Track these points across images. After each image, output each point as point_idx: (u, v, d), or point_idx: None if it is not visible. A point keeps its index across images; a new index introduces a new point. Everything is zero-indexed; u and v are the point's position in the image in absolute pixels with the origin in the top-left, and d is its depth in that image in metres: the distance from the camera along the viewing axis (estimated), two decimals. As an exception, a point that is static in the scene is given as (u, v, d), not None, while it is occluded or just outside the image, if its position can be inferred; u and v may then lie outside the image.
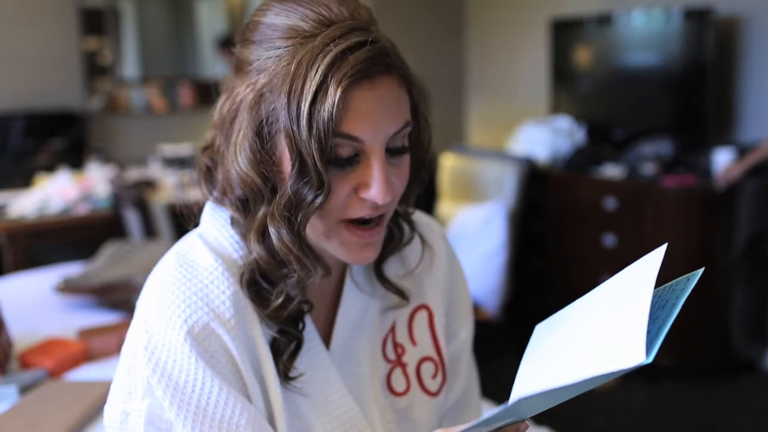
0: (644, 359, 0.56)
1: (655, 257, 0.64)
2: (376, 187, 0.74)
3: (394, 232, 0.89)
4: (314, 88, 0.70)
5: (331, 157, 0.72)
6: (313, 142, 0.70)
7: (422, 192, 0.89)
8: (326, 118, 0.69)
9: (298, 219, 0.74)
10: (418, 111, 0.80)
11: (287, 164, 0.73)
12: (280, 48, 0.74)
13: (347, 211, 0.76)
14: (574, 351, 0.65)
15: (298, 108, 0.70)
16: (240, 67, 0.79)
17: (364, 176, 0.74)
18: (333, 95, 0.69)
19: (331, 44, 0.71)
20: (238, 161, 0.76)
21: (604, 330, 0.63)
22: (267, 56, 0.75)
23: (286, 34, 0.74)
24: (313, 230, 0.77)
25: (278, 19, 0.75)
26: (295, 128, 0.71)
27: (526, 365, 0.71)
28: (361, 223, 0.77)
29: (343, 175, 0.74)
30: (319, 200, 0.73)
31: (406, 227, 0.90)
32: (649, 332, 0.58)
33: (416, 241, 0.93)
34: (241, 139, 0.76)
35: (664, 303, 0.62)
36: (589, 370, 0.60)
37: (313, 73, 0.70)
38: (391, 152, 0.76)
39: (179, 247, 0.82)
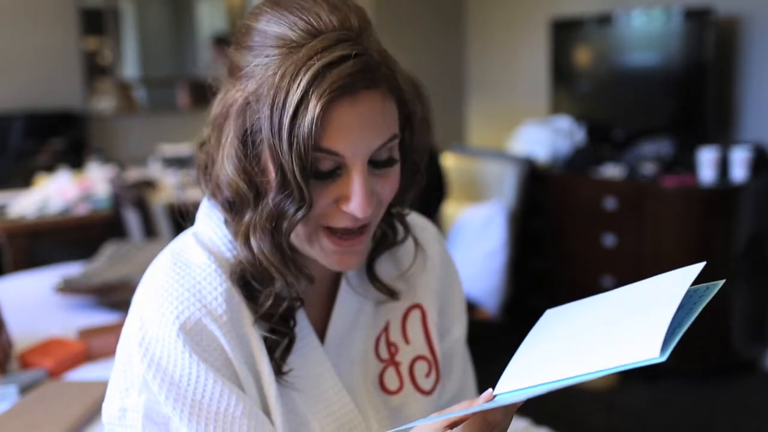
0: (658, 355, 0.55)
1: (691, 271, 0.63)
2: (356, 202, 0.74)
3: (387, 232, 0.89)
4: (295, 103, 0.69)
5: (312, 172, 0.72)
6: (293, 156, 0.70)
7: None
8: (306, 134, 0.69)
9: (282, 231, 0.74)
10: (411, 118, 0.79)
11: (272, 173, 0.73)
12: (269, 56, 0.73)
13: (328, 219, 0.76)
14: (585, 342, 0.64)
15: (280, 121, 0.70)
16: (232, 71, 0.79)
17: (345, 190, 0.74)
18: (313, 110, 0.69)
19: (315, 57, 0.70)
20: (225, 165, 0.77)
21: (620, 326, 0.63)
22: (255, 63, 0.74)
23: (276, 42, 0.73)
24: (296, 236, 0.77)
25: (269, 25, 0.74)
26: (276, 141, 0.71)
27: (528, 350, 0.70)
28: (344, 232, 0.77)
29: (323, 187, 0.74)
30: (300, 214, 0.73)
31: (400, 228, 0.91)
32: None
33: (410, 243, 0.94)
34: (228, 145, 0.76)
35: (681, 306, 0.62)
36: (598, 363, 0.59)
37: (295, 86, 0.70)
38: (376, 164, 0.76)
39: (174, 246, 0.83)
